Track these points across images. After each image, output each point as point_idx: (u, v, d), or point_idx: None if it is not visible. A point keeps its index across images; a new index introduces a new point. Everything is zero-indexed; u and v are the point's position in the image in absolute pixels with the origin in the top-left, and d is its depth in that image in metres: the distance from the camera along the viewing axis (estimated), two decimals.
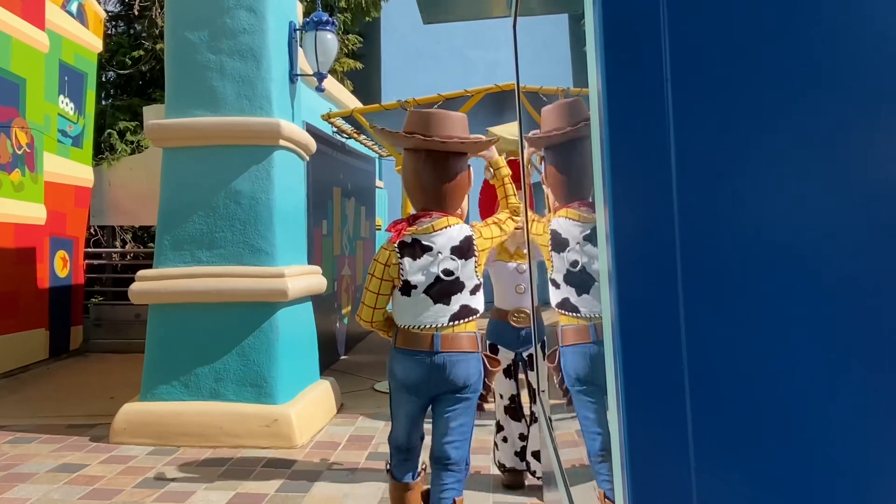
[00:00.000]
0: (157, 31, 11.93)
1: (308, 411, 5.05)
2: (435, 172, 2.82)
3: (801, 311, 0.92)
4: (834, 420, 0.91)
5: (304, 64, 5.78)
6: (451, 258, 2.77)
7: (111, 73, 13.23)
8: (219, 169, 5.05)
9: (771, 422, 0.92)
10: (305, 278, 5.33)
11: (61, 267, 8.84)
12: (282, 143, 4.98)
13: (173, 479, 4.20)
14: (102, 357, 8.70)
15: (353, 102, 10.07)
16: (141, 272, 5.15)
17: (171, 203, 5.16)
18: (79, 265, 9.27)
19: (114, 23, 13.90)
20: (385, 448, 3.04)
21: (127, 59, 12.69)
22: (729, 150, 0.93)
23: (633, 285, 0.94)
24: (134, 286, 5.10)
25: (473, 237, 2.81)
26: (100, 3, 11.37)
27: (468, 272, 2.78)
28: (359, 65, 14.23)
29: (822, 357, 0.90)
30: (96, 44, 9.79)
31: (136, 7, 12.93)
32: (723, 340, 0.93)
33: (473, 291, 2.83)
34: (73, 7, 9.15)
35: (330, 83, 7.82)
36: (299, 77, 5.66)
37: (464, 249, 2.77)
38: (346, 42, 14.04)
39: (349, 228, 9.06)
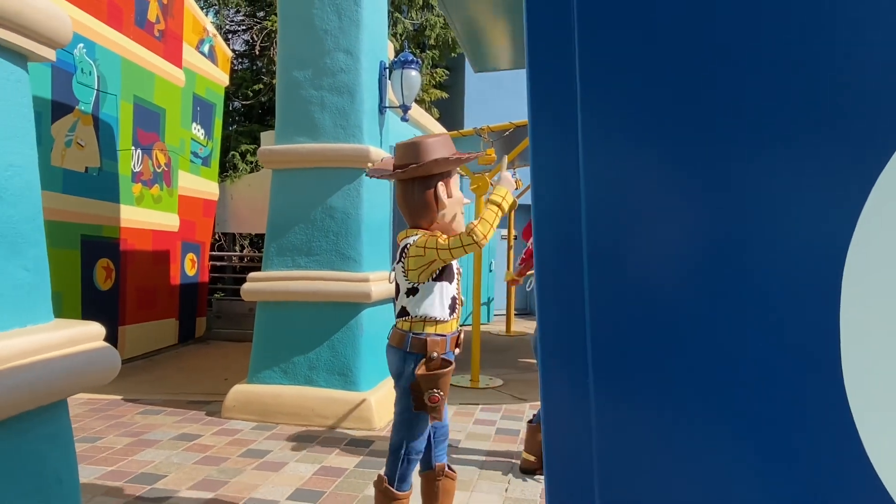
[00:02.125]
0: (274, 68, 12.41)
1: (386, 398, 5.15)
2: (401, 196, 2.81)
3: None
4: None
5: (392, 96, 5.94)
6: (396, 264, 2.77)
7: (236, 103, 13.79)
8: (317, 188, 5.25)
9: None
10: (387, 283, 5.47)
11: (190, 267, 9.19)
12: (370, 165, 5.15)
13: (270, 451, 4.38)
14: (221, 344, 9.02)
15: (437, 129, 10.20)
16: (251, 274, 5.40)
17: (277, 216, 5.39)
18: (204, 266, 9.63)
19: (239, 60, 14.47)
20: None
21: (249, 92, 13.25)
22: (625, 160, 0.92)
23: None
24: (245, 286, 5.35)
25: (409, 245, 2.69)
26: (227, 43, 11.91)
27: (400, 276, 2.74)
28: (444, 94, 14.34)
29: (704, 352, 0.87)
30: (224, 79, 10.14)
31: (258, 47, 13.48)
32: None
33: (408, 294, 2.71)
34: (206, 48, 9.56)
35: (416, 112, 7.94)
36: (387, 108, 5.81)
37: (400, 256, 2.74)
38: (434, 74, 14.20)
39: None
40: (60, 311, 6.45)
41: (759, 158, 0.84)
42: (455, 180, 2.85)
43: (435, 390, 2.62)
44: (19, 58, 2.04)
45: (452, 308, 2.75)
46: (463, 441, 4.62)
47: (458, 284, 2.84)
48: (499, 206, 2.69)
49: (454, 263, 2.80)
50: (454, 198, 2.81)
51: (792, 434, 0.83)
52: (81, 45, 6.68)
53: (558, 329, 0.94)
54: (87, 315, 6.83)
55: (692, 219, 0.87)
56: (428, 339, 2.66)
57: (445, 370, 2.64)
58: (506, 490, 3.76)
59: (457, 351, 2.84)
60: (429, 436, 2.83)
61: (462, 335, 2.86)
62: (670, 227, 0.89)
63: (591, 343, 0.91)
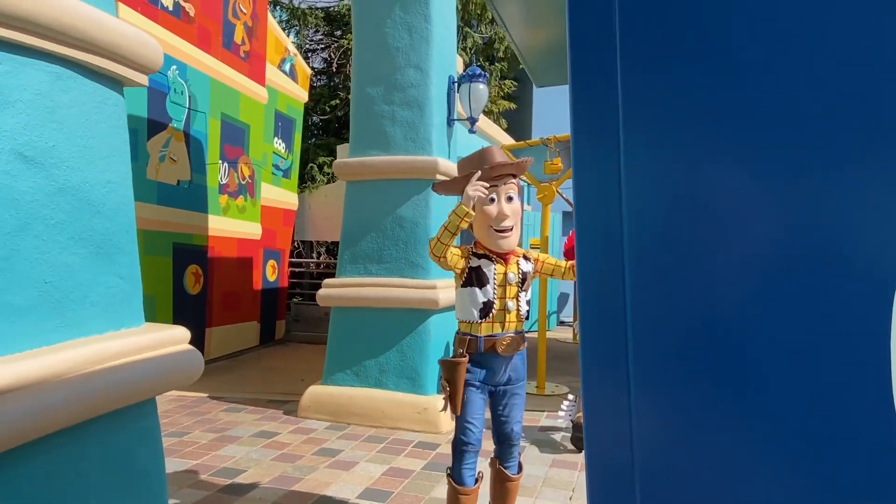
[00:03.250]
0: (350, 84, 12.68)
1: None
2: None
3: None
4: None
5: (460, 109, 5.96)
6: None
7: (315, 117, 14.15)
8: (388, 198, 5.32)
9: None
10: (453, 290, 5.48)
11: (271, 273, 9.43)
12: (438, 176, 5.16)
13: (342, 451, 4.45)
14: (299, 346, 9.22)
15: (505, 139, 10.17)
16: (326, 280, 5.51)
17: (350, 225, 5.49)
18: (284, 272, 9.87)
19: (317, 77, 14.83)
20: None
21: (327, 107, 13.57)
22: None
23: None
24: (321, 291, 5.47)
25: None
26: (307, 61, 12.22)
27: None
28: (513, 105, 14.29)
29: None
30: (303, 95, 10.40)
31: (335, 64, 13.81)
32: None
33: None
34: (287, 67, 9.84)
35: (485, 123, 7.95)
36: (455, 121, 5.84)
37: None
38: (503, 86, 14.18)
39: None
40: (154, 313, 6.75)
41: (811, 168, 0.81)
42: (486, 199, 2.74)
43: (445, 381, 2.77)
44: (116, 83, 2.15)
45: (484, 312, 2.76)
46: (528, 447, 4.57)
47: (501, 291, 2.77)
48: (449, 220, 2.71)
49: (487, 269, 2.77)
50: (484, 212, 2.74)
51: (830, 436, 0.80)
52: (174, 67, 6.98)
53: (599, 335, 0.94)
54: (177, 317, 7.11)
55: (732, 227, 0.85)
56: (457, 336, 2.87)
57: (454, 361, 2.76)
58: (570, 498, 3.70)
59: (500, 351, 2.78)
60: (495, 432, 2.94)
61: (511, 340, 2.78)
62: (711, 235, 0.87)
63: (633, 349, 0.90)
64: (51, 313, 1.85)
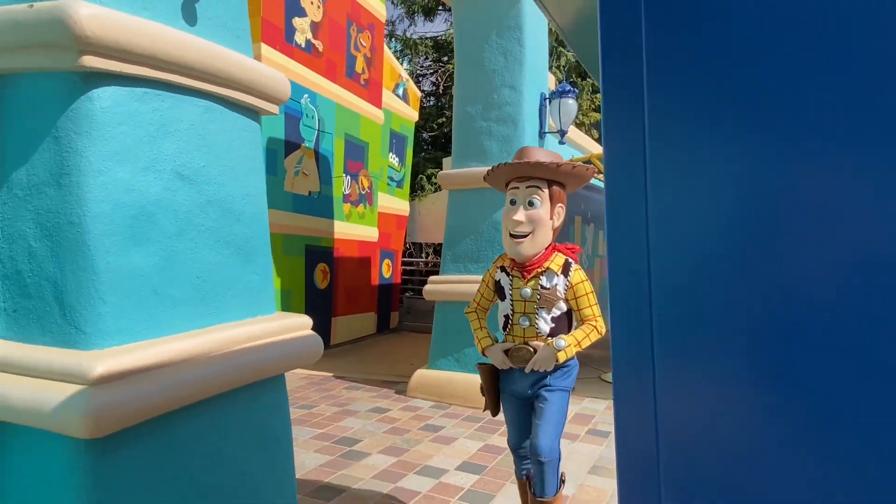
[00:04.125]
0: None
1: None
2: None
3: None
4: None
5: (551, 122, 5.89)
6: None
7: (424, 134, 14.41)
8: (485, 205, 5.34)
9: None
10: None
11: (386, 270, 9.64)
12: None
13: (444, 427, 4.52)
14: (409, 335, 9.35)
15: (596, 149, 9.93)
16: (431, 277, 5.60)
17: (452, 229, 5.57)
18: (397, 269, 10.07)
19: (427, 98, 15.11)
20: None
21: (435, 125, 13.81)
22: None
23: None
24: (427, 287, 5.57)
25: None
26: (417, 85, 12.48)
27: None
28: None
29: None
30: (414, 115, 10.59)
31: (442, 87, 14.01)
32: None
33: None
34: (400, 90, 10.09)
35: (576, 134, 7.81)
36: (547, 134, 5.79)
37: None
38: (594, 99, 13.85)
39: (588, 248, 8.90)
40: (290, 304, 7.09)
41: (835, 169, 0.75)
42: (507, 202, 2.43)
43: (481, 384, 2.55)
44: (253, 113, 2.32)
45: (505, 325, 2.46)
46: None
47: (518, 307, 2.39)
48: (475, 335, 2.56)
49: (504, 283, 2.45)
50: (503, 214, 2.42)
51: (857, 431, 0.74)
52: (306, 95, 7.33)
53: (627, 331, 0.91)
54: (308, 308, 7.43)
55: (746, 225, 0.80)
56: None
57: (479, 365, 2.53)
58: None
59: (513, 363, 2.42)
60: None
61: (523, 352, 2.35)
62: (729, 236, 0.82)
63: (656, 353, 0.86)
64: (201, 304, 2.02)
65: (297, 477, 3.50)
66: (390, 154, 9.78)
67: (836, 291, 0.74)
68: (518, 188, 2.32)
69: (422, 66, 15.87)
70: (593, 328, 2.36)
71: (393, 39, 15.26)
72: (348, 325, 8.43)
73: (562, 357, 2.27)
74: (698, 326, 0.82)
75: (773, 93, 0.77)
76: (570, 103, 5.61)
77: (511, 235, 2.31)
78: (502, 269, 2.45)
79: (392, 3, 15.39)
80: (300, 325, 2.37)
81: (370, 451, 3.99)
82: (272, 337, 2.20)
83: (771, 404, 0.77)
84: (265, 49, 6.56)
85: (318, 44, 7.53)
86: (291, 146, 7.16)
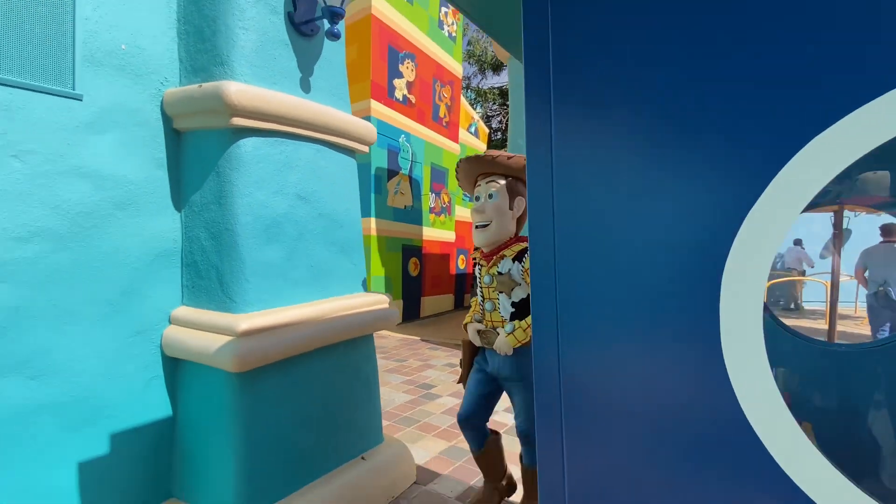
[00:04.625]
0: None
1: None
2: None
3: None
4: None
5: None
6: None
7: None
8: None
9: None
10: None
11: (461, 263, 9.60)
12: None
13: None
14: None
15: None
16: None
17: None
18: (470, 262, 9.95)
19: (494, 134, 14.92)
20: None
21: None
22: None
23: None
24: None
25: None
26: (486, 124, 12.39)
27: None
28: None
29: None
30: (483, 148, 10.50)
31: (504, 125, 13.76)
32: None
33: None
34: (473, 129, 10.07)
35: None
36: None
37: None
38: None
39: None
40: (391, 288, 7.27)
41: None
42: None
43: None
44: (350, 152, 2.40)
45: (481, 309, 2.07)
46: None
47: (484, 292, 2.01)
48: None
49: (476, 272, 2.08)
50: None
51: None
52: (403, 136, 7.50)
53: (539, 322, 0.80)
54: (404, 290, 7.58)
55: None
56: None
57: (464, 344, 2.13)
58: None
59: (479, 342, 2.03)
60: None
61: (488, 334, 1.97)
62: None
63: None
64: (313, 284, 2.14)
65: (388, 409, 3.64)
66: None
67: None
68: (480, 185, 1.98)
69: (490, 110, 15.73)
70: None
71: (468, 90, 15.22)
72: (433, 302, 8.48)
73: (511, 341, 1.83)
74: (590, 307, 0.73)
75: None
76: None
77: (475, 227, 1.97)
78: (475, 261, 2.09)
79: (468, 62, 15.39)
80: (380, 301, 2.43)
81: (441, 393, 4.03)
82: (362, 308, 2.27)
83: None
84: (374, 103, 6.77)
85: (412, 97, 7.66)
86: (392, 173, 7.33)
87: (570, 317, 0.75)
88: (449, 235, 9.03)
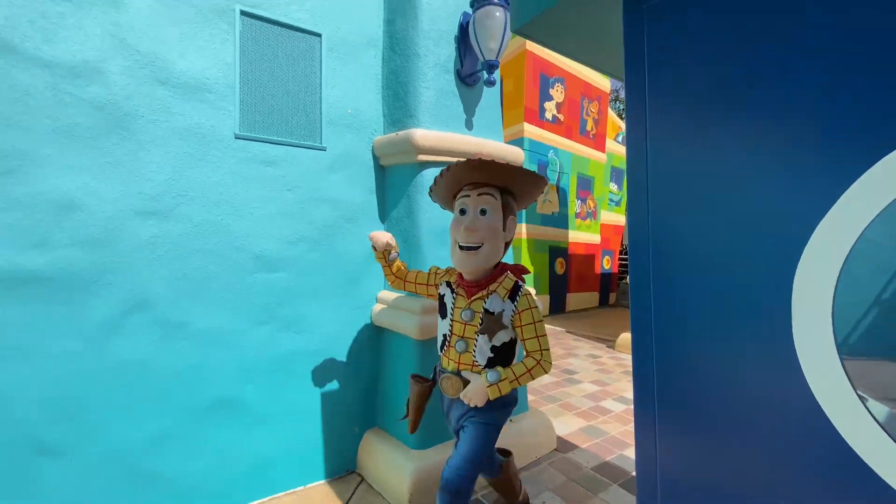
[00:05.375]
0: None
1: None
2: None
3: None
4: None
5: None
6: None
7: None
8: None
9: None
10: None
11: (606, 264, 9.13)
12: None
13: None
14: (623, 311, 8.60)
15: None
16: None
17: None
18: (615, 263, 9.43)
19: None
20: None
21: None
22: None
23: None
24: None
25: None
26: None
27: None
28: None
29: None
30: None
31: None
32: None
33: None
34: (620, 138, 9.49)
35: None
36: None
37: None
38: None
39: None
40: (538, 285, 7.36)
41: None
42: (457, 210, 1.52)
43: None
44: None
45: (442, 345, 1.55)
46: None
47: (457, 328, 1.48)
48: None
49: (447, 299, 1.54)
50: (452, 226, 1.52)
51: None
52: (552, 151, 7.50)
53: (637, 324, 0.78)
54: (550, 286, 7.55)
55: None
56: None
57: (412, 378, 1.66)
58: None
59: (443, 389, 1.53)
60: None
61: (453, 381, 1.47)
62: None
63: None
64: None
65: (533, 386, 3.79)
66: (611, 183, 9.28)
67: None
68: (469, 196, 1.45)
69: None
70: (536, 363, 1.40)
71: (616, 101, 14.31)
72: (578, 299, 8.26)
73: (493, 393, 1.37)
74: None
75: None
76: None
77: (461, 247, 1.45)
78: (448, 283, 1.57)
79: (616, 77, 14.35)
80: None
81: (583, 380, 3.98)
82: None
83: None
84: (526, 125, 6.95)
85: (561, 116, 7.61)
86: None
87: (663, 314, 0.74)
88: (594, 238, 8.70)
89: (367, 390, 2.38)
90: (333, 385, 2.28)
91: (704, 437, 0.67)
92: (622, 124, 9.72)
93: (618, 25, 0.92)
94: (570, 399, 3.55)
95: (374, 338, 2.39)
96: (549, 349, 1.42)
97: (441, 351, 1.54)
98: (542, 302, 7.45)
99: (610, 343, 5.55)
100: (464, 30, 2.37)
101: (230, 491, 1.96)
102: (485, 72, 2.36)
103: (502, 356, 1.45)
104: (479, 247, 1.42)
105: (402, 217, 2.30)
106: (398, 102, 2.31)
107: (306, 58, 2.14)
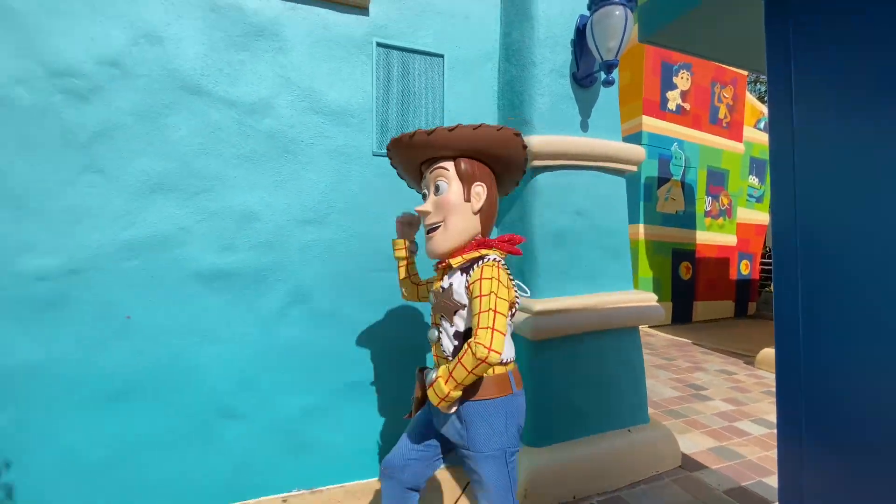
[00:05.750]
0: None
1: None
2: None
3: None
4: None
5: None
6: None
7: None
8: None
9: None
10: None
11: (745, 269, 8.16)
12: None
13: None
14: (765, 323, 7.64)
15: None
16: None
17: None
18: (756, 268, 8.37)
19: None
20: None
21: None
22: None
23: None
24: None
25: None
26: None
27: None
28: None
29: None
30: None
31: None
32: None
33: None
34: (761, 125, 8.40)
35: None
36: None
37: None
38: None
39: None
40: (659, 290, 6.88)
41: None
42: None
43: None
44: (620, 172, 2.50)
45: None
46: None
47: (433, 315, 1.30)
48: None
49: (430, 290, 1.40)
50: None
51: None
52: (675, 144, 6.94)
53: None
54: (674, 293, 7.01)
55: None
56: None
57: (420, 369, 1.37)
58: None
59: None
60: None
61: (431, 373, 1.23)
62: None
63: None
64: (587, 280, 2.37)
65: (654, 399, 3.58)
66: (750, 176, 8.22)
67: None
68: (425, 176, 1.29)
69: None
70: (466, 348, 1.08)
71: (758, 84, 12.51)
72: (707, 307, 7.52)
73: (433, 398, 1.12)
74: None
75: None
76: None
77: (426, 234, 1.29)
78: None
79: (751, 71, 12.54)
80: (646, 298, 2.45)
81: (714, 397, 3.66)
82: (628, 303, 2.37)
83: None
84: (645, 119, 6.56)
85: (686, 105, 7.02)
86: (662, 180, 6.90)
87: (815, 327, 0.68)
88: (729, 239, 7.80)
89: None
90: None
91: (864, 472, 0.59)
92: (764, 109, 8.55)
93: (757, 18, 0.88)
94: (698, 416, 3.29)
95: None
96: (488, 328, 1.04)
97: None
98: (665, 310, 6.92)
99: (748, 359, 4.98)
100: (580, 32, 2.38)
101: (368, 462, 2.24)
102: (602, 72, 2.33)
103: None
104: (437, 227, 1.24)
105: (516, 221, 2.38)
106: (514, 111, 2.41)
107: (430, 77, 2.36)
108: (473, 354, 1.05)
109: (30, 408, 1.82)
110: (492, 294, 1.08)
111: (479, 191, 1.25)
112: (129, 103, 1.92)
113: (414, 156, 1.26)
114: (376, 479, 2.26)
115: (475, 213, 1.25)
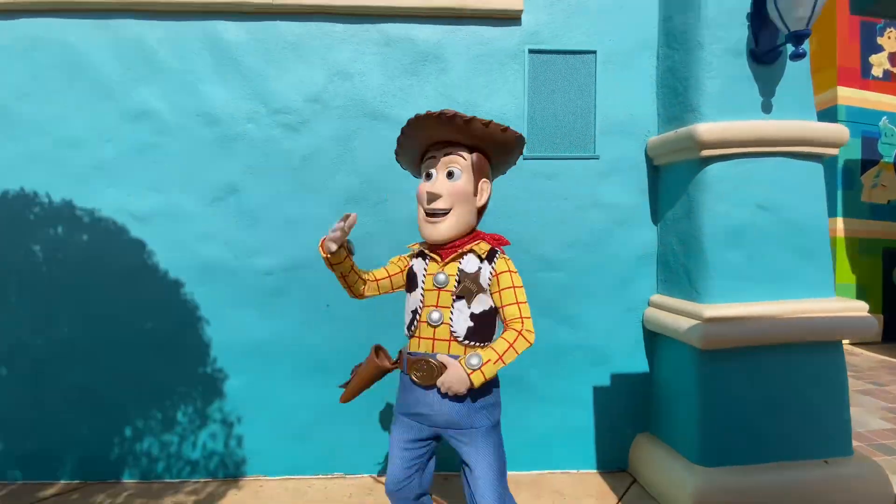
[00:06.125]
0: None
1: None
2: None
3: None
4: None
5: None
6: None
7: None
8: None
9: None
10: None
11: None
12: None
13: None
14: None
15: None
16: None
17: None
18: None
19: None
20: None
21: None
22: None
23: None
24: None
25: None
26: None
27: None
28: None
29: None
30: None
31: None
32: None
33: None
34: None
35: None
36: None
37: None
38: None
39: None
40: (865, 297, 5.62)
41: None
42: (423, 174, 1.37)
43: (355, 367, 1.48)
44: (817, 157, 2.18)
45: (410, 324, 1.33)
46: None
47: (430, 298, 1.29)
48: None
49: (417, 268, 1.36)
50: (418, 192, 1.32)
51: None
52: (885, 118, 5.60)
53: None
54: (885, 304, 5.67)
55: None
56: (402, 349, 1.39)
57: (372, 353, 1.40)
58: None
59: (414, 378, 1.29)
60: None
61: (427, 367, 1.25)
62: None
63: None
64: (770, 284, 2.12)
65: (859, 431, 2.98)
66: None
67: None
68: (435, 157, 1.30)
69: None
70: (518, 334, 1.22)
71: None
72: None
73: (477, 379, 1.19)
74: None
75: None
76: None
77: (427, 214, 1.29)
78: (418, 254, 1.40)
79: None
80: (853, 308, 2.09)
81: None
82: (825, 313, 2.06)
83: None
84: (840, 90, 5.44)
85: None
86: (868, 164, 5.62)
87: None
88: None
89: (638, 393, 2.42)
90: (604, 382, 2.42)
91: None
92: None
93: None
94: None
95: (646, 341, 2.41)
96: (530, 317, 1.26)
97: (409, 331, 1.34)
98: (877, 322, 5.59)
99: None
100: (758, 4, 2.12)
101: (518, 457, 2.35)
102: (790, 44, 2.05)
103: (483, 328, 1.28)
104: (447, 213, 1.28)
105: (681, 217, 2.24)
106: (676, 98, 2.27)
107: (582, 75, 2.37)
108: (527, 341, 1.23)
109: (256, 375, 2.36)
110: (522, 286, 1.28)
111: (486, 187, 1.35)
112: (328, 130, 2.36)
113: (436, 135, 1.27)
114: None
115: (477, 208, 1.34)
